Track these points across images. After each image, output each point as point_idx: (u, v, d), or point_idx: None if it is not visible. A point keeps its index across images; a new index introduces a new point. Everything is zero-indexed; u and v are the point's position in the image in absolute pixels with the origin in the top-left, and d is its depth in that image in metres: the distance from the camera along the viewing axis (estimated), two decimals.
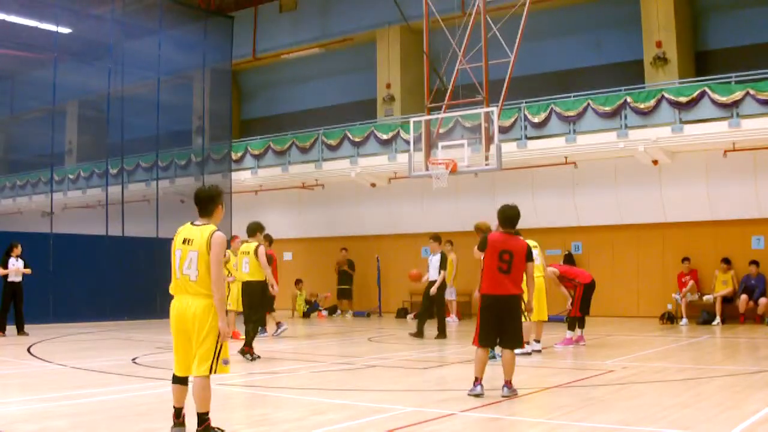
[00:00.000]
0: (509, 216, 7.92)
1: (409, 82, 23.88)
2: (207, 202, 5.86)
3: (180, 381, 5.75)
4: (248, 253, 11.51)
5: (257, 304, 11.51)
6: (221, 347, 5.62)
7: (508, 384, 7.61)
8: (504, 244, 7.73)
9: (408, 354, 12.23)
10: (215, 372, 5.61)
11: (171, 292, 5.78)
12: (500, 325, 7.64)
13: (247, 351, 11.01)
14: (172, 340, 5.76)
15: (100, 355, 12.04)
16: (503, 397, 7.53)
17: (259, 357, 11.07)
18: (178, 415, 5.76)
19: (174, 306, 5.72)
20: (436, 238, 14.80)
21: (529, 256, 7.81)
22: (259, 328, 12.74)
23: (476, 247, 7.95)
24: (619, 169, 18.73)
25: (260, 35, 26.71)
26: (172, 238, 5.87)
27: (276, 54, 26.81)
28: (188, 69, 23.93)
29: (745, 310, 16.74)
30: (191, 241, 5.68)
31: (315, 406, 7.29)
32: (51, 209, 19.96)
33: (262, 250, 11.41)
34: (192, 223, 5.85)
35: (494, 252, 7.69)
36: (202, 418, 5.61)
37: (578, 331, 12.75)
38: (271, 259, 12.81)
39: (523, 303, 8.05)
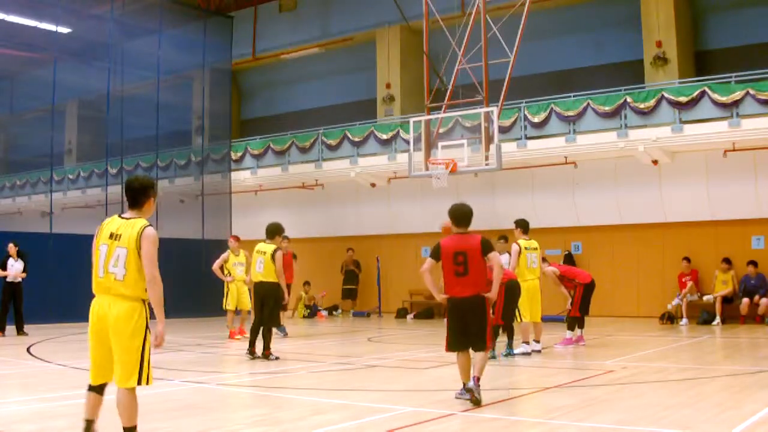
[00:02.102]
0: (461, 214, 7.65)
1: (409, 82, 23.88)
2: (139, 193, 5.31)
3: (95, 389, 5.18)
4: (264, 253, 11.43)
5: (271, 305, 11.41)
6: (148, 355, 5.10)
7: (476, 380, 7.26)
8: (456, 246, 7.48)
9: (408, 354, 12.24)
10: (146, 383, 5.07)
11: (94, 291, 5.23)
12: (465, 328, 7.40)
13: (268, 354, 11.09)
14: (88, 346, 5.20)
15: None
16: (463, 391, 7.28)
17: (278, 358, 11.12)
18: (88, 429, 5.16)
19: (93, 307, 5.17)
20: (505, 238, 13.54)
21: (485, 250, 7.44)
22: (276, 327, 12.78)
23: (429, 255, 7.60)
24: (619, 169, 18.72)
25: (260, 35, 26.71)
26: (96, 233, 5.31)
27: (276, 54, 26.82)
28: (188, 69, 23.94)
29: (747, 312, 16.70)
30: (119, 236, 5.13)
31: (315, 406, 7.29)
32: (50, 209, 19.97)
33: (279, 255, 11.35)
34: (119, 216, 5.32)
35: (448, 256, 7.47)
36: None
37: (578, 331, 12.73)
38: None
39: (489, 306, 7.69)
